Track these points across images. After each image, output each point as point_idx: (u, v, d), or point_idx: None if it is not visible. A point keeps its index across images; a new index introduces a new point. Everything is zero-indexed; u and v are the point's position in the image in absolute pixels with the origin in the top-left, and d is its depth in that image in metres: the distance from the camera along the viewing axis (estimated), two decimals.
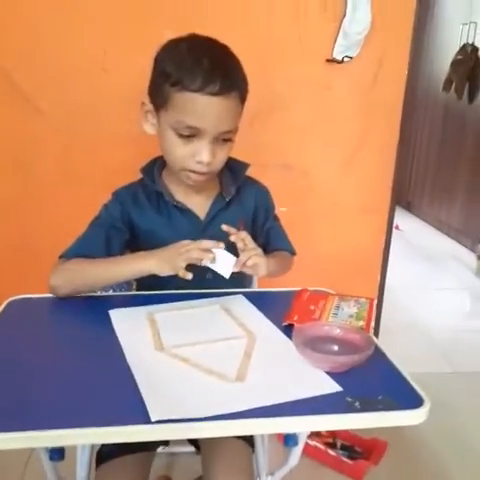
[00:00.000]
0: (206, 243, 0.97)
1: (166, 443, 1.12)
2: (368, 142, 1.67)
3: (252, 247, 1.00)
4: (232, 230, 1.01)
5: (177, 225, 1.12)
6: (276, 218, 1.26)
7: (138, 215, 1.11)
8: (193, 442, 1.15)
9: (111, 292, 1.20)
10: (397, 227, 3.82)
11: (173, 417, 0.65)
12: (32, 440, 0.63)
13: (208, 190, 1.14)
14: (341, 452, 1.57)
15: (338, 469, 1.54)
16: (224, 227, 1.01)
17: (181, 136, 0.99)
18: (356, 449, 1.59)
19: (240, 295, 1.08)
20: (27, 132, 1.55)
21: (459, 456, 1.64)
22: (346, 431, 1.65)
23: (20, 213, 1.62)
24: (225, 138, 1.01)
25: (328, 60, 1.57)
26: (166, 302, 1.01)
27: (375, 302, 1.05)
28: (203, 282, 1.08)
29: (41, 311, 1.01)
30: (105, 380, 0.76)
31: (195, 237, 1.08)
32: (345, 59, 1.57)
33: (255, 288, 1.28)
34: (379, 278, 1.83)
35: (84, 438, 0.66)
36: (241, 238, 1.00)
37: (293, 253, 1.24)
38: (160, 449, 1.49)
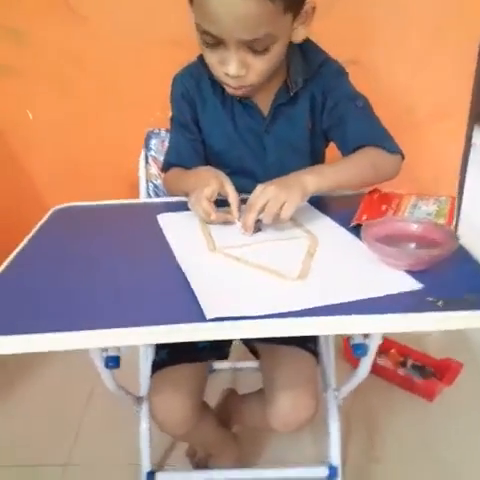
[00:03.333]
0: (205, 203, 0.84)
1: (225, 357, 1.07)
2: (446, 37, 1.44)
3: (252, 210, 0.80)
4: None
5: (240, 123, 1.00)
6: (362, 105, 0.97)
7: (202, 104, 1.00)
8: (253, 352, 1.10)
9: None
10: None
11: (229, 314, 0.58)
12: (86, 339, 0.59)
13: (275, 80, 0.96)
14: (412, 372, 1.49)
15: (409, 389, 1.47)
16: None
17: (205, 43, 0.84)
18: (427, 369, 1.50)
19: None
20: (70, 45, 1.46)
21: None
22: (417, 351, 1.56)
23: (64, 134, 1.56)
24: (259, 48, 0.82)
25: None
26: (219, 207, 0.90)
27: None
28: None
29: (86, 218, 0.97)
30: (155, 281, 0.70)
31: (259, 138, 1.00)
32: None
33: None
34: (457, 192, 1.65)
35: (138, 337, 0.60)
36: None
37: (392, 150, 0.93)
38: (222, 364, 1.50)
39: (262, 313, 0.59)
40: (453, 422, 1.37)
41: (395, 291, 0.63)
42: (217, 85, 0.97)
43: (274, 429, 0.92)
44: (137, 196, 1.23)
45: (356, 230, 0.81)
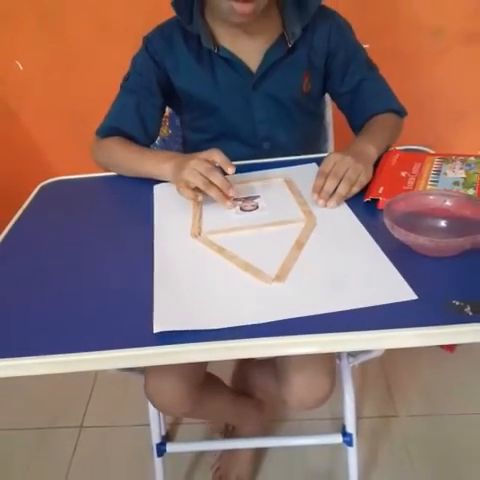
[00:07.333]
0: (216, 154, 0.75)
1: None
2: None
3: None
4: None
5: (221, 81, 0.90)
6: (370, 65, 0.95)
7: (174, 65, 0.91)
8: None
9: None
10: None
11: (180, 328, 0.53)
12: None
13: (265, 32, 0.87)
14: None
15: None
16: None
17: None
18: None
19: (314, 163, 0.89)
20: None
21: None
22: None
23: (57, 76, 1.43)
24: None
25: None
26: None
27: None
28: (260, 154, 0.92)
29: (73, 201, 0.91)
30: (115, 293, 0.63)
31: (244, 98, 0.91)
32: None
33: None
34: None
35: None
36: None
37: (401, 113, 0.95)
38: None
39: (219, 326, 0.53)
40: (474, 374, 1.32)
41: (382, 302, 0.54)
42: (192, 41, 0.88)
43: (289, 406, 0.87)
44: None
45: (372, 205, 0.72)
